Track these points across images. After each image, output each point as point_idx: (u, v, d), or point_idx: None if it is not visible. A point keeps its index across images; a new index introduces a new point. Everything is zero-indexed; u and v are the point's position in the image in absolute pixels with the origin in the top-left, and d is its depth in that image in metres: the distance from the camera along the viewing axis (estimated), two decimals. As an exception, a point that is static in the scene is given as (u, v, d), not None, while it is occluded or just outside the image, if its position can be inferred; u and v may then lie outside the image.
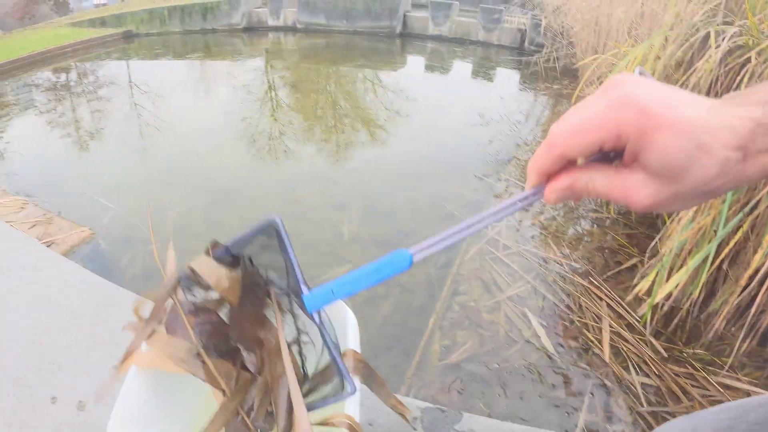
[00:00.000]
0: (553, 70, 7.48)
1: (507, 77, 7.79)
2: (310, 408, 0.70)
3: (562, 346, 2.21)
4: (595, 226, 3.17)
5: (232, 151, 4.56)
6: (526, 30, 9.12)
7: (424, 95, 6.75)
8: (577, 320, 2.34)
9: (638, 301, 2.46)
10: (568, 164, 0.42)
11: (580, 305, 2.43)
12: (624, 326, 2.31)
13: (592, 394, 1.99)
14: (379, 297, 2.52)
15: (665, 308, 2.38)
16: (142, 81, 7.26)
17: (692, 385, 2.01)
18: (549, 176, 0.43)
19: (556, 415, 1.92)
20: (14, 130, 5.28)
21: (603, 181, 0.40)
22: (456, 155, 4.47)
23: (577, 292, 2.52)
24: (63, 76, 7.88)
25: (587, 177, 0.41)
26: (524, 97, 6.66)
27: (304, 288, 0.69)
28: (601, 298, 2.47)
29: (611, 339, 2.23)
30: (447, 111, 6.07)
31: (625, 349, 2.18)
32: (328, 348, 0.69)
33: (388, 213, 3.34)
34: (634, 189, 0.39)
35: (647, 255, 2.63)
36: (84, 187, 3.72)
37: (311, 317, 0.67)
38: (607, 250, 2.90)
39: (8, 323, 1.74)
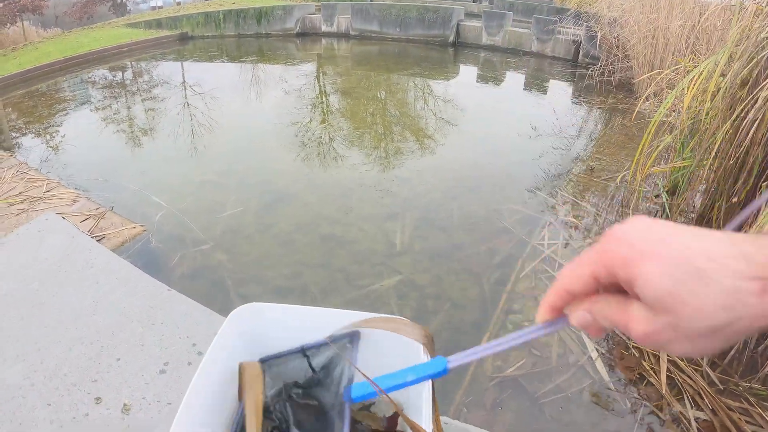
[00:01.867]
0: (608, 84, 7.33)
1: (560, 89, 7.66)
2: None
3: (617, 373, 2.15)
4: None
5: (284, 155, 4.62)
6: (580, 42, 8.97)
7: (476, 105, 6.70)
8: (633, 347, 2.27)
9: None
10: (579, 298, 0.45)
11: (637, 331, 2.36)
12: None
13: (646, 427, 1.93)
14: (428, 312, 2.50)
15: (723, 338, 2.29)
16: (196, 82, 7.43)
17: (746, 421, 1.91)
18: (557, 310, 0.48)
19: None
20: (70, 125, 5.47)
21: (612, 307, 0.42)
22: (508, 167, 4.42)
23: (634, 317, 2.45)
24: (119, 75, 8.14)
25: (603, 301, 0.43)
26: (577, 111, 6.54)
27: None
28: (659, 325, 2.39)
29: (667, 368, 2.15)
30: (499, 122, 6.01)
31: (680, 380, 2.10)
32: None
33: (440, 225, 3.32)
34: (632, 316, 0.40)
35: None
36: (136, 183, 3.82)
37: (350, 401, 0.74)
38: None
39: (58, 320, 1.76)
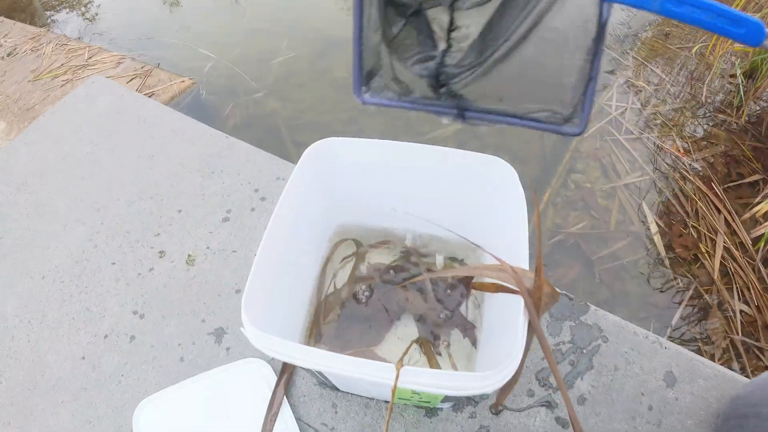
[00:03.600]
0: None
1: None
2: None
3: (672, 250, 2.12)
4: (722, 128, 2.92)
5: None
6: None
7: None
8: (693, 226, 2.22)
9: (753, 221, 2.31)
10: None
11: (697, 211, 2.30)
12: (737, 244, 2.18)
13: (692, 309, 1.93)
14: (487, 162, 2.42)
15: (778, 236, 2.22)
16: None
17: (787, 325, 1.92)
18: None
19: (653, 317, 1.88)
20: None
21: None
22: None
23: (695, 196, 2.37)
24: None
25: None
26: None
27: None
28: (719, 210, 2.31)
29: (722, 255, 2.12)
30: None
31: (732, 269, 2.06)
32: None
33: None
34: None
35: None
36: (182, 38, 3.56)
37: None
38: (730, 159, 2.69)
39: (115, 178, 1.72)
